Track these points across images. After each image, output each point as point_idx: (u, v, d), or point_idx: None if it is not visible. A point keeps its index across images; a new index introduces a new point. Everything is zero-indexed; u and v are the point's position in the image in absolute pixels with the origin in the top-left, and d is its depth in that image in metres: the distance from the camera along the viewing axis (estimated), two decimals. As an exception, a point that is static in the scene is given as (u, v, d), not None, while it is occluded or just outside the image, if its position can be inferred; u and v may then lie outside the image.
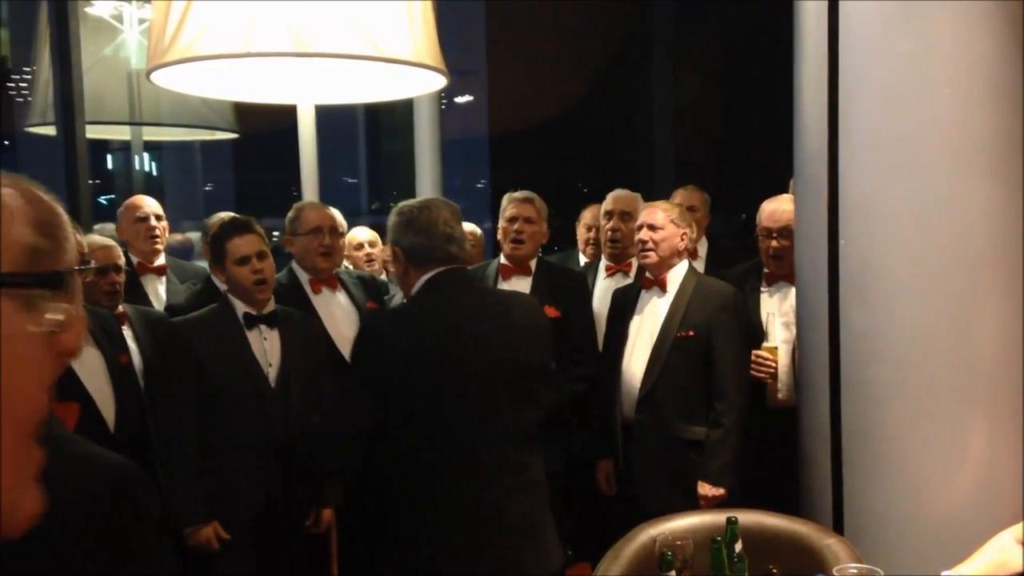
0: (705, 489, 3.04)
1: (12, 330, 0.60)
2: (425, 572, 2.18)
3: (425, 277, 2.27)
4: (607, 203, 3.86)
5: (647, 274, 3.27)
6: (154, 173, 11.89)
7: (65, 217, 0.98)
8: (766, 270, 3.47)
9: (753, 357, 3.24)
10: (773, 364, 3.23)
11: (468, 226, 4.20)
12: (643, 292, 3.28)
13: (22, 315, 0.61)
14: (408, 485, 2.20)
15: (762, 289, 3.46)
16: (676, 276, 3.22)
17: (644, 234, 3.21)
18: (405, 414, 2.16)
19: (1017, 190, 2.48)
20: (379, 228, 5.04)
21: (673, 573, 2.08)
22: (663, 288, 3.22)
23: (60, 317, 0.64)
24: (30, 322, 0.62)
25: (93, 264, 2.95)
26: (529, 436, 2.32)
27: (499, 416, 2.24)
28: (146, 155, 8.13)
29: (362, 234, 4.71)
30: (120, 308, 3.07)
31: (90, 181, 4.37)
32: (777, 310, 3.37)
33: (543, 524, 2.33)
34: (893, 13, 2.46)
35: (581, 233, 4.40)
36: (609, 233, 3.81)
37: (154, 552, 0.99)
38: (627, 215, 3.77)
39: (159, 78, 3.13)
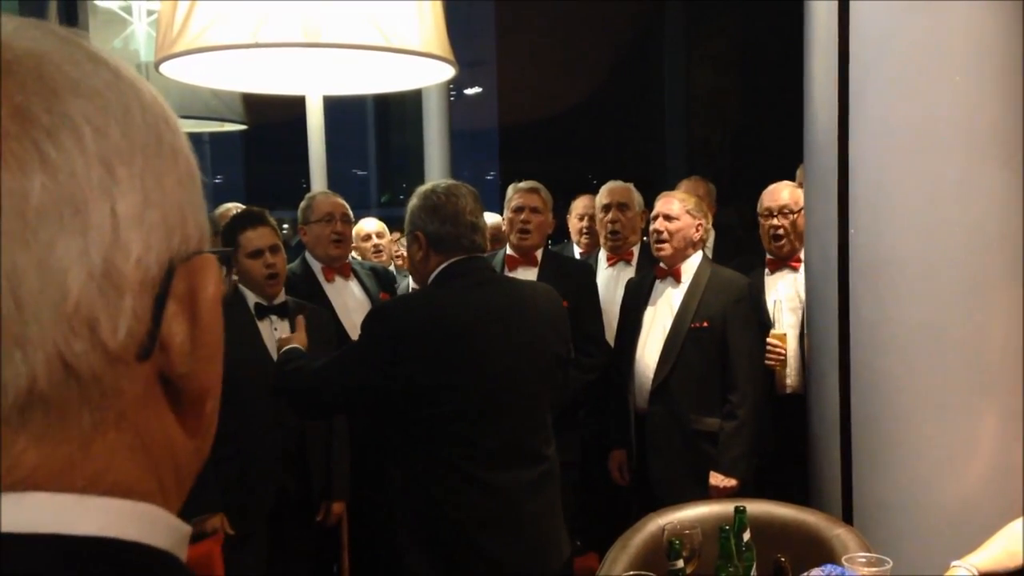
0: (717, 479, 3.02)
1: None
2: (441, 560, 2.18)
3: (446, 263, 2.25)
4: (602, 196, 3.86)
5: (661, 264, 3.25)
6: (164, 165, 11.91)
7: None
8: (769, 256, 3.46)
9: None
10: (783, 351, 3.22)
11: (493, 217, 4.18)
12: (657, 282, 3.26)
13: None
14: (422, 471, 2.19)
15: (766, 276, 3.44)
16: (690, 267, 3.20)
17: (659, 224, 3.18)
18: (421, 395, 2.13)
19: (1029, 178, 2.47)
20: (388, 220, 5.05)
21: (681, 562, 2.08)
22: (677, 279, 3.20)
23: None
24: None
25: None
26: (544, 425, 2.32)
27: (518, 404, 2.24)
28: (156, 147, 8.13)
29: (370, 225, 4.70)
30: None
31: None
32: (783, 295, 3.36)
33: (555, 516, 2.32)
34: (903, 2, 2.45)
35: (573, 224, 4.34)
36: (608, 226, 3.81)
37: None
38: (623, 206, 3.79)
39: (168, 69, 3.13)
